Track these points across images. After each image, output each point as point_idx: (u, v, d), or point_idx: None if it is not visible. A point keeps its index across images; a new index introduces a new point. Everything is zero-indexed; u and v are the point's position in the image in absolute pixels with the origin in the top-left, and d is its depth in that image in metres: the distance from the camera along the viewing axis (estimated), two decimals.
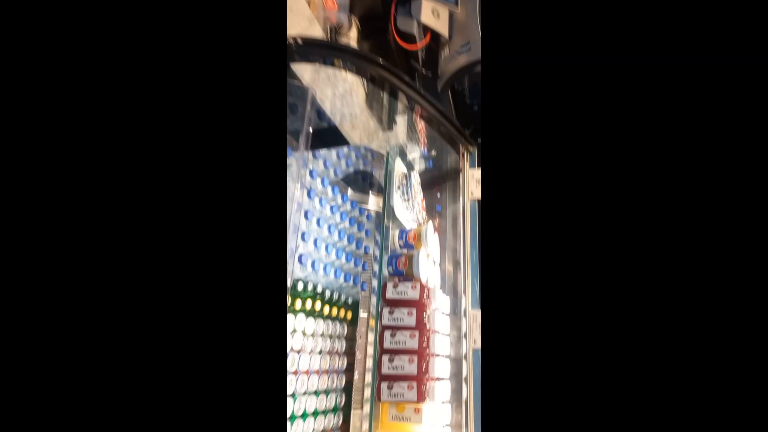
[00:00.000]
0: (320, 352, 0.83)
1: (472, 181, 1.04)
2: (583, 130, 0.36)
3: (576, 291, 0.36)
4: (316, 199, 0.89)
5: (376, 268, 0.85)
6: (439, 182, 1.07)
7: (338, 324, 0.89)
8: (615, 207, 0.35)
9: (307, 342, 0.80)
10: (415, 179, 0.97)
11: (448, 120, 0.97)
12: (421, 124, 1.10)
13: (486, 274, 0.40)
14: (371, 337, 0.83)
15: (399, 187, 0.94)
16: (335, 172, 0.95)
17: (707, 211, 0.32)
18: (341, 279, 0.90)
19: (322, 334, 0.84)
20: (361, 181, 0.97)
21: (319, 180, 0.90)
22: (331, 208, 0.91)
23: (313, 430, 0.79)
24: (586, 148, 0.36)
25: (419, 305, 0.81)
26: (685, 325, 0.32)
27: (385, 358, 0.78)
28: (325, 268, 0.87)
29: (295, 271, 0.81)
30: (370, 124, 1.02)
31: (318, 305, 0.84)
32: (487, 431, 0.35)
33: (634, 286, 0.34)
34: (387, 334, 0.79)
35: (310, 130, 0.81)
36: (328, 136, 0.95)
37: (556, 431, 0.34)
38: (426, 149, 1.10)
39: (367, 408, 0.77)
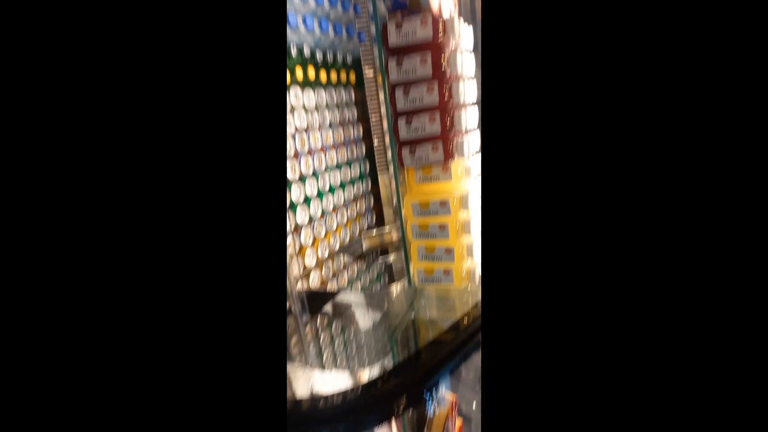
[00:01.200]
0: (330, 126, 0.73)
1: None
2: None
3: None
4: None
5: (371, 7, 0.63)
6: None
7: (342, 90, 0.75)
8: None
9: (312, 117, 0.70)
10: None
11: None
12: None
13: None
14: (383, 95, 0.70)
15: None
16: None
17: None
18: (330, 33, 0.71)
19: (327, 105, 0.72)
20: None
21: None
22: None
23: (344, 199, 0.79)
24: None
25: (434, 47, 0.63)
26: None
27: (401, 121, 0.67)
28: (306, 22, 0.67)
29: None
30: None
31: (312, 72, 0.69)
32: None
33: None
34: (399, 92, 0.65)
35: None
36: None
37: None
38: None
39: (392, 169, 0.72)
